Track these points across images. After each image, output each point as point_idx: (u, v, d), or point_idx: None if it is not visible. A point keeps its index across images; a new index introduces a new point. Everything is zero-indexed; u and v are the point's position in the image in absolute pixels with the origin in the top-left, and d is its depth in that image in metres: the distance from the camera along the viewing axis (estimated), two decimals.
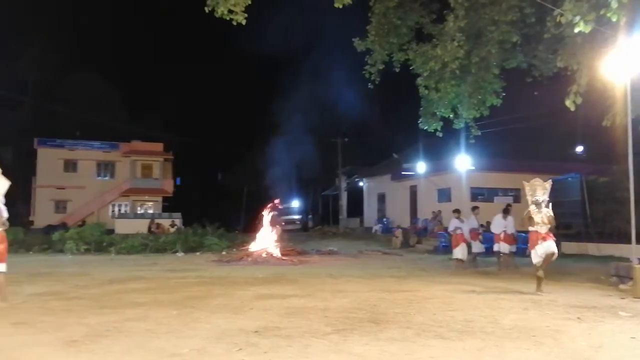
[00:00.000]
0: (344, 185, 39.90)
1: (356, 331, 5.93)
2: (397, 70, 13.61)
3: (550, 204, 9.36)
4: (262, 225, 20.13)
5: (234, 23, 10.36)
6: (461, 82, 12.86)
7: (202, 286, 10.30)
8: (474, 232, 14.10)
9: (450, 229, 14.09)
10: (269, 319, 6.68)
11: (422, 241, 23.72)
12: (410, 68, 13.33)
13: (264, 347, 5.18)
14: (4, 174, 7.94)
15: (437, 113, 13.66)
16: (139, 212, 42.35)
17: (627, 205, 9.23)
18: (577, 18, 8.60)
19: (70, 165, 43.91)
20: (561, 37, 10.45)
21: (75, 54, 51.73)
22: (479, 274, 12.64)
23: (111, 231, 26.90)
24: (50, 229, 29.55)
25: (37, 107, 41.97)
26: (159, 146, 46.10)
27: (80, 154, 44.13)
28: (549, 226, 9.21)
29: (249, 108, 50.84)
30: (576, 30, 8.75)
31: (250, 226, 24.54)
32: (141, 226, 28.87)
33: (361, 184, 38.09)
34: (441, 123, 13.93)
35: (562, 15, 8.99)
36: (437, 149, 25.85)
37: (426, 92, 13.16)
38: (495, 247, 13.81)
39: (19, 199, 33.89)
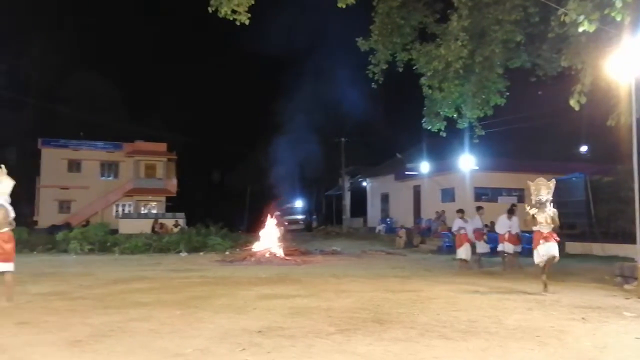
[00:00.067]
0: (347, 185, 39.89)
1: (360, 331, 5.92)
2: (401, 70, 13.59)
3: (552, 204, 9.32)
4: (265, 225, 20.14)
5: (237, 23, 10.37)
6: (465, 82, 12.83)
7: (206, 286, 10.31)
8: (478, 232, 14.06)
9: (454, 229, 14.06)
10: (272, 319, 6.68)
11: (426, 241, 23.70)
12: (414, 68, 13.30)
13: (268, 347, 5.18)
14: (8, 174, 7.98)
15: (441, 113, 13.63)
16: (142, 212, 42.45)
17: (631, 205, 9.18)
18: (581, 17, 8.56)
19: (74, 166, 44.05)
20: (565, 36, 10.41)
21: (79, 54, 52.07)
22: (483, 274, 12.62)
23: (115, 231, 26.94)
24: (54, 229, 29.61)
25: (41, 108, 42.10)
26: (162, 146, 46.19)
27: (84, 154, 44.27)
28: (552, 226, 9.19)
29: (253, 108, 50.94)
30: (580, 29, 8.72)
31: (254, 226, 24.55)
32: (145, 226, 28.90)
33: (364, 183, 38.05)
34: (445, 123, 13.90)
35: (566, 14, 8.96)
36: (441, 148, 25.78)
37: (430, 91, 13.13)
38: (500, 247, 13.79)
39: (23, 199, 33.97)
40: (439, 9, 13.06)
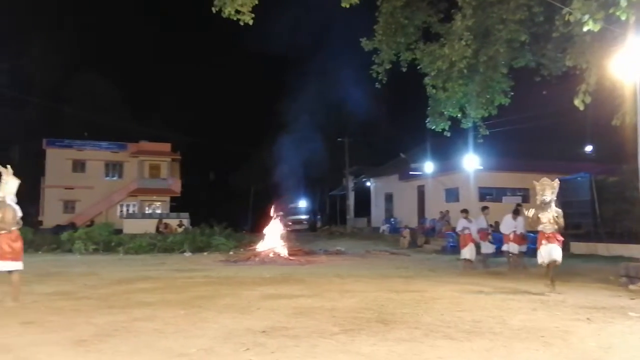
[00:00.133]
0: (351, 185, 39.88)
1: (364, 331, 5.92)
2: (405, 69, 13.57)
3: (554, 203, 9.29)
4: (269, 225, 20.14)
5: (241, 23, 10.38)
6: (469, 82, 12.81)
7: (210, 286, 10.32)
8: (483, 233, 14.02)
9: (458, 229, 14.03)
10: (276, 319, 6.68)
11: (430, 241, 23.65)
12: (418, 67, 13.29)
13: (272, 347, 5.18)
14: (13, 174, 8.02)
15: (445, 112, 13.61)
16: (147, 212, 42.52)
17: (637, 205, 9.19)
18: (586, 17, 8.54)
19: (79, 166, 44.17)
20: (570, 35, 10.38)
21: (83, 53, 52.02)
22: (487, 275, 12.58)
23: (119, 231, 27.02)
24: (59, 229, 29.71)
25: (45, 108, 42.26)
26: (166, 146, 46.28)
27: (88, 154, 44.38)
28: (555, 226, 9.15)
29: (257, 108, 50.85)
30: (585, 29, 8.69)
31: (258, 226, 24.57)
32: (149, 226, 28.99)
33: (368, 183, 38.05)
34: (449, 122, 13.87)
35: (570, 13, 8.93)
36: (445, 148, 25.76)
37: (434, 91, 13.12)
38: (505, 247, 13.75)
39: (27, 199, 34.12)
40: (442, 9, 13.04)
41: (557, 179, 9.48)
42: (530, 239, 13.76)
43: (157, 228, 29.12)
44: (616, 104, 10.69)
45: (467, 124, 13.98)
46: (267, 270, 14.04)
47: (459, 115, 13.63)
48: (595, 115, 14.82)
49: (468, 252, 13.50)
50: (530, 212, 9.98)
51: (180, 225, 29.80)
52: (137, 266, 14.99)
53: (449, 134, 14.28)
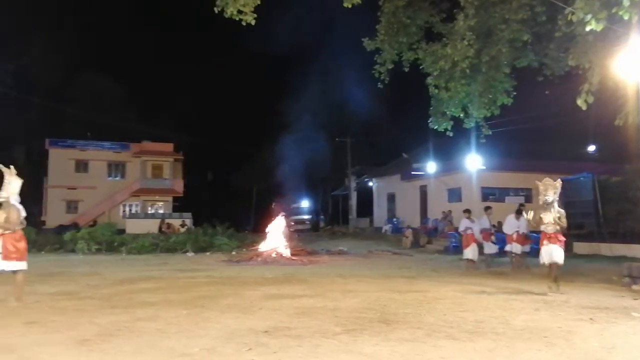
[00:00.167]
0: (353, 185, 39.89)
1: (366, 331, 5.92)
2: (407, 69, 13.55)
3: (556, 203, 9.28)
4: (271, 225, 20.15)
5: (244, 23, 10.38)
6: (471, 81, 12.78)
7: (212, 286, 10.33)
8: (486, 233, 14.01)
9: (461, 229, 14.01)
10: (278, 319, 6.68)
11: (433, 241, 23.64)
12: (420, 67, 13.26)
13: (274, 347, 5.19)
14: (16, 174, 8.04)
15: (447, 112, 13.59)
16: (149, 212, 42.59)
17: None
18: (589, 16, 8.52)
19: (82, 166, 44.27)
20: (572, 35, 10.35)
21: (85, 54, 52.13)
22: (490, 275, 12.57)
23: (122, 231, 27.06)
24: (61, 229, 29.76)
25: (48, 108, 42.35)
26: (169, 146, 46.35)
27: (91, 154, 44.48)
28: (557, 227, 9.13)
29: (259, 108, 50.88)
30: (588, 28, 8.67)
31: (260, 226, 24.60)
32: (152, 226, 29.01)
33: (371, 184, 38.04)
34: (451, 122, 13.85)
35: (573, 13, 8.91)
36: (448, 148, 25.72)
37: (436, 91, 13.09)
38: (508, 248, 13.74)
39: (30, 199, 34.18)
40: (445, 8, 13.02)
41: (559, 179, 9.46)
42: (534, 239, 13.76)
43: (160, 228, 29.16)
44: (619, 104, 10.66)
45: (469, 124, 13.95)
46: (270, 270, 14.05)
47: (461, 115, 13.61)
48: (598, 115, 14.80)
49: (470, 252, 13.49)
50: (530, 215, 10.00)
51: (182, 225, 29.83)
52: (140, 266, 15.02)
53: (451, 134, 14.24)
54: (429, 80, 13.10)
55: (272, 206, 21.08)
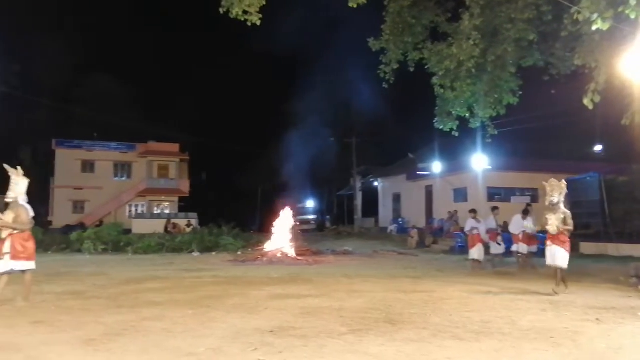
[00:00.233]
0: (359, 185, 39.86)
1: (372, 331, 5.92)
2: (412, 69, 13.52)
3: (562, 204, 9.24)
4: (277, 225, 20.15)
5: (249, 24, 10.39)
6: (477, 81, 12.75)
7: (218, 286, 10.35)
8: (493, 233, 13.97)
9: (467, 229, 13.98)
10: (284, 319, 6.69)
11: (438, 241, 23.59)
12: (426, 67, 13.24)
13: (280, 347, 5.19)
14: (23, 175, 8.09)
15: (453, 112, 13.55)
16: (155, 212, 42.73)
17: None
18: (595, 15, 8.47)
19: (88, 166, 44.47)
20: (579, 34, 10.31)
21: (91, 55, 52.44)
22: (496, 275, 12.54)
23: (128, 231, 27.15)
24: (68, 229, 29.90)
25: (55, 109, 42.57)
26: (175, 147, 46.48)
27: (97, 154, 44.68)
28: (560, 228, 9.08)
29: (264, 108, 50.98)
30: (594, 27, 8.62)
31: (266, 226, 24.63)
32: (158, 226, 29.11)
33: (376, 184, 38.00)
34: (457, 122, 13.81)
35: (579, 12, 8.87)
36: (453, 148, 25.68)
37: (442, 91, 13.06)
38: (514, 248, 13.70)
39: (37, 200, 34.34)
40: (450, 8, 12.99)
41: (563, 180, 9.43)
42: (540, 239, 13.71)
43: (166, 228, 29.24)
44: (626, 103, 10.60)
45: (475, 123, 13.91)
46: (275, 270, 14.06)
47: (467, 115, 13.57)
48: (604, 115, 14.70)
49: (476, 252, 13.46)
50: (530, 224, 10.04)
51: (188, 225, 29.90)
52: (146, 266, 15.06)
53: (457, 134, 14.20)
54: (435, 80, 13.07)
55: (278, 206, 21.03)
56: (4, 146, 37.27)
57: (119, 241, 21.38)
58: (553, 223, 9.07)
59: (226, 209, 41.18)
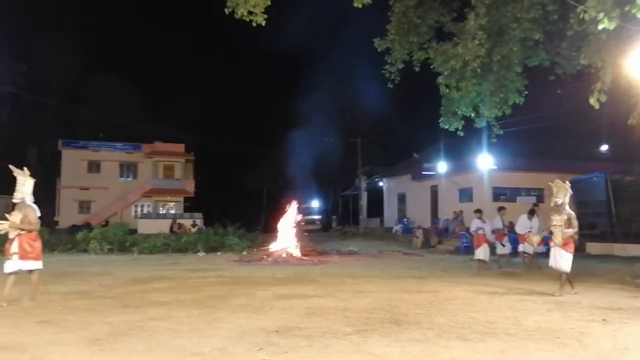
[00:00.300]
0: (363, 185, 39.84)
1: (377, 332, 5.91)
2: (417, 69, 13.50)
3: (567, 205, 9.21)
4: (282, 225, 20.17)
5: (254, 24, 10.40)
6: (483, 81, 12.71)
7: (223, 286, 10.37)
8: (500, 233, 13.94)
9: (472, 229, 13.95)
10: (289, 319, 6.69)
11: (443, 242, 23.56)
12: (431, 67, 13.20)
13: (285, 347, 5.20)
14: (29, 175, 8.13)
15: (458, 112, 13.51)
16: (161, 212, 42.82)
17: None
18: (601, 15, 8.43)
19: (94, 166, 44.64)
20: (585, 34, 10.27)
21: (98, 55, 52.54)
22: (502, 275, 12.50)
23: (134, 231, 27.20)
24: (74, 229, 30.01)
25: (61, 109, 42.76)
26: (180, 147, 46.59)
27: (103, 155, 44.84)
28: (564, 229, 9.04)
29: (269, 108, 51.02)
30: (600, 27, 8.58)
31: (271, 226, 24.66)
32: (163, 226, 29.14)
33: (381, 184, 37.95)
34: (462, 122, 13.77)
35: (585, 11, 8.83)
36: (458, 148, 25.61)
37: (447, 91, 13.03)
38: (520, 248, 13.67)
39: (43, 200, 34.48)
40: (455, 8, 12.96)
41: (567, 181, 9.42)
42: (546, 240, 13.66)
43: (171, 228, 29.29)
44: (632, 103, 10.55)
45: (480, 123, 13.87)
46: (280, 270, 14.07)
47: (472, 114, 13.53)
48: (610, 114, 14.64)
49: (482, 252, 13.43)
50: (535, 239, 10.09)
51: (193, 226, 29.94)
52: (152, 266, 15.10)
53: (462, 134, 14.16)
54: (440, 79, 13.05)
55: (284, 206, 21.03)
56: (10, 146, 37.49)
57: (124, 241, 21.44)
58: (557, 235, 9.05)
59: (231, 209, 41.24)
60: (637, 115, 10.44)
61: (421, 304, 7.94)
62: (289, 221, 20.05)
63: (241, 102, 51.87)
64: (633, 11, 8.06)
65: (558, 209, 9.17)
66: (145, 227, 30.58)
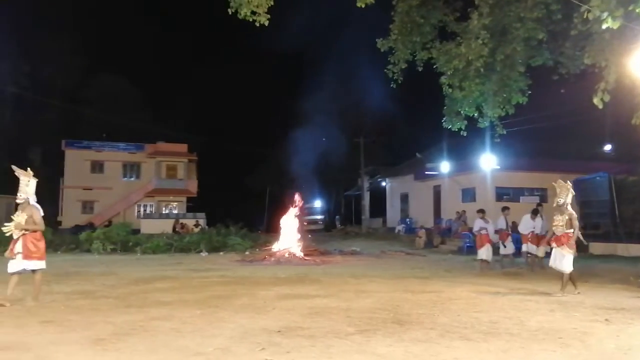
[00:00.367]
0: (366, 185, 39.81)
1: (379, 332, 5.91)
2: (420, 69, 13.48)
3: (569, 205, 9.19)
4: (284, 226, 20.17)
5: (257, 24, 10.40)
6: (486, 81, 12.69)
7: (226, 286, 10.38)
8: (503, 233, 13.91)
9: (475, 229, 13.93)
10: (291, 319, 6.69)
11: (446, 242, 23.53)
12: (434, 67, 13.19)
13: (287, 347, 5.20)
14: (33, 175, 8.15)
15: (462, 112, 13.50)
16: (164, 212, 42.90)
17: None
18: (605, 14, 8.40)
19: (97, 167, 44.72)
20: (588, 33, 10.24)
21: (101, 56, 52.69)
22: (505, 275, 12.48)
23: (137, 231, 27.27)
24: (77, 229, 30.08)
25: (64, 109, 42.86)
26: (183, 147, 46.64)
27: (106, 155, 44.90)
28: (566, 229, 9.02)
29: (272, 108, 51.05)
30: (604, 26, 8.56)
31: (273, 226, 24.67)
32: (166, 226, 29.23)
33: (384, 184, 37.93)
34: (465, 122, 13.76)
35: (589, 11, 8.80)
36: (462, 148, 25.58)
37: (450, 90, 13.02)
38: (524, 248, 13.64)
39: (47, 200, 34.54)
40: (459, 7, 12.94)
41: (568, 181, 9.41)
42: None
43: (174, 228, 29.35)
44: (636, 102, 10.51)
45: (483, 123, 13.85)
46: (283, 270, 14.07)
47: (475, 114, 13.51)
48: (614, 114, 14.62)
49: (485, 252, 13.41)
50: (540, 251, 10.14)
51: (196, 226, 30.00)
52: (154, 266, 15.12)
53: (465, 134, 14.14)
54: (443, 79, 13.03)
55: (287, 205, 21.04)
56: (14, 146, 37.60)
57: (127, 241, 21.49)
58: (558, 224, 9.05)
59: (234, 209, 41.28)
60: None
61: (424, 304, 7.93)
62: (292, 216, 20.02)
63: (244, 102, 52.00)
64: (637, 10, 8.05)
65: (560, 209, 9.17)
66: (148, 227, 30.66)
